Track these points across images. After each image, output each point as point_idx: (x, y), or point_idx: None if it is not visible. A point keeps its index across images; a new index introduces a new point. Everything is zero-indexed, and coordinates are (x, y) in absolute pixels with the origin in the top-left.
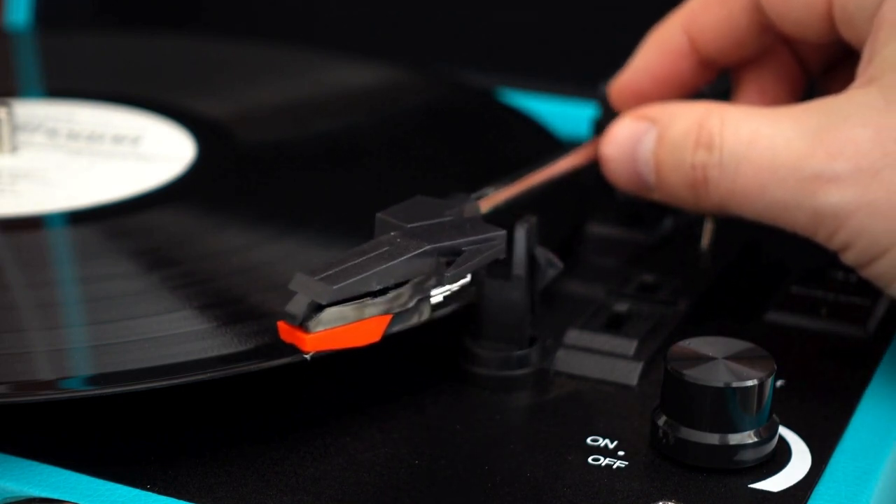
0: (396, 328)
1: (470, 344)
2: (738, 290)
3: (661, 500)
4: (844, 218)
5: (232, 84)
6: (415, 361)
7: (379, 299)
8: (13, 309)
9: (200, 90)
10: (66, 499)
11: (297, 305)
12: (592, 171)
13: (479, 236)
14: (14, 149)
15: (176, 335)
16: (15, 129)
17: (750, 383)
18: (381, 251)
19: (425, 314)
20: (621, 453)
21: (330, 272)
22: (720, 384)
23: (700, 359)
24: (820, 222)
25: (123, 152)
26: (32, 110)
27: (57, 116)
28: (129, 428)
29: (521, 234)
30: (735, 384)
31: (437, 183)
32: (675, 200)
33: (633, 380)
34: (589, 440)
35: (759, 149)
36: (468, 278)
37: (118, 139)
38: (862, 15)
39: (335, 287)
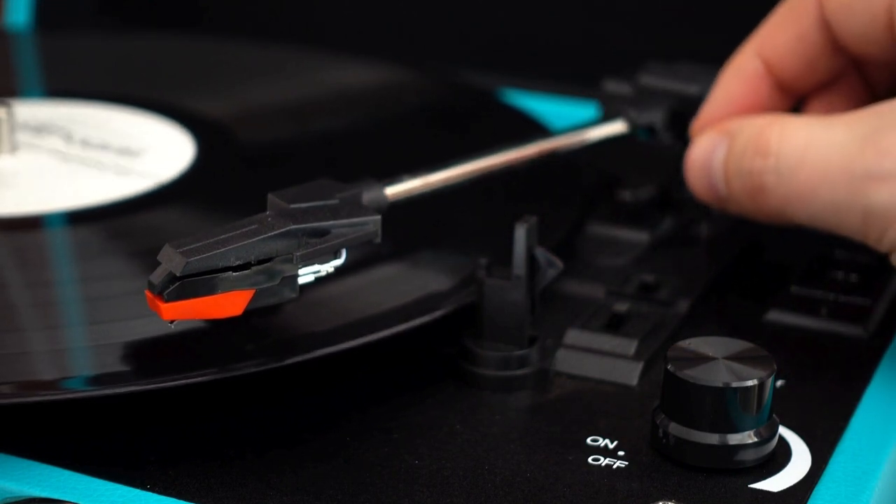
0: (260, 304)
1: (470, 344)
2: (738, 290)
3: (661, 500)
4: (894, 217)
5: (232, 84)
6: (415, 361)
7: (236, 275)
8: (13, 309)
9: (200, 90)
10: (66, 499)
11: (158, 275)
12: (592, 171)
13: (352, 219)
14: (14, 149)
15: (176, 335)
16: (15, 129)
17: (750, 383)
18: (248, 228)
19: (292, 292)
20: (621, 453)
21: (192, 246)
22: (720, 384)
23: (700, 359)
24: (870, 223)
25: (123, 152)
26: (32, 110)
27: (57, 116)
28: (129, 428)
29: (520, 234)
30: (735, 384)
31: None
32: (742, 210)
33: (633, 380)
34: (589, 440)
35: (813, 153)
36: (341, 259)
37: (118, 139)
38: None
39: (189, 260)
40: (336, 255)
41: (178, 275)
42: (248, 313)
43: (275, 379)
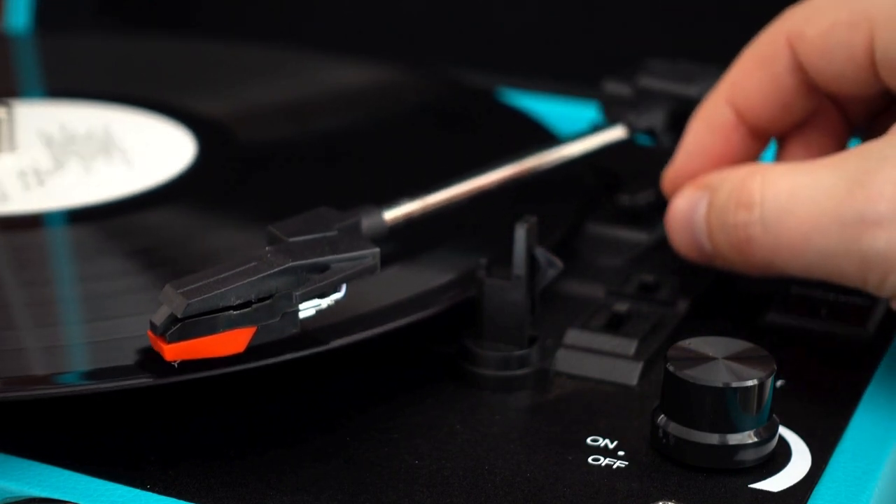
0: (262, 340)
1: (470, 344)
2: (739, 290)
3: (661, 500)
4: (894, 262)
5: (232, 84)
6: (415, 361)
7: (237, 313)
8: (12, 307)
9: (200, 90)
10: (66, 499)
11: (159, 316)
12: (592, 171)
13: (350, 253)
14: (14, 149)
15: None
16: (15, 129)
17: (750, 383)
18: (248, 266)
19: (294, 327)
20: (621, 453)
21: (193, 286)
22: (720, 384)
23: (700, 359)
24: (868, 268)
25: (124, 152)
26: (32, 110)
27: (57, 117)
28: (129, 427)
29: (520, 234)
30: (735, 384)
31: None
32: (730, 265)
33: (633, 380)
34: (589, 440)
35: (799, 201)
36: (342, 293)
37: (118, 139)
38: None
39: (190, 301)
40: (336, 290)
41: (179, 316)
42: None
43: (274, 376)
